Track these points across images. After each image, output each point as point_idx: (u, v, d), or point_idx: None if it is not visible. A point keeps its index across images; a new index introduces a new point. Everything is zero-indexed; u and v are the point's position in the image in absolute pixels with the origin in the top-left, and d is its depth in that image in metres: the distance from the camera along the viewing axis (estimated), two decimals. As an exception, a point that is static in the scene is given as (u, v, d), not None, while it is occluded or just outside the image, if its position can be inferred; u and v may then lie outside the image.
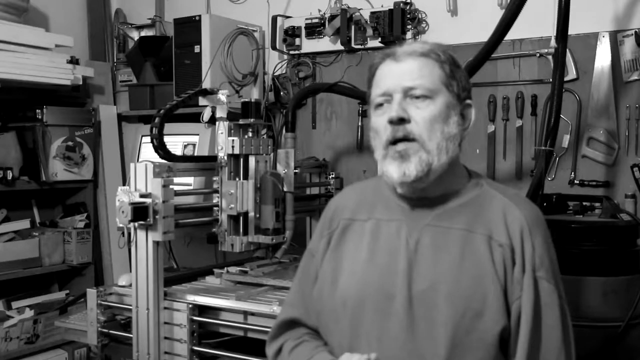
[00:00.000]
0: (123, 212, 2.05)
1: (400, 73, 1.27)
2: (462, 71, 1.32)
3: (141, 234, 2.14)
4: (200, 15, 3.03)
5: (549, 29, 2.50)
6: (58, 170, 3.31)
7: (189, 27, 3.05)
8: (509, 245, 1.24)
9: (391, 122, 1.24)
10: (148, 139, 2.38)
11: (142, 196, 2.10)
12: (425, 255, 1.26)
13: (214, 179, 2.41)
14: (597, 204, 2.41)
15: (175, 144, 2.96)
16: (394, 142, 1.25)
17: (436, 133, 1.25)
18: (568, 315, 1.27)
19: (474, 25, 2.78)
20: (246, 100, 2.47)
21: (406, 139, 1.24)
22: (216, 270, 2.45)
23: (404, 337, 1.23)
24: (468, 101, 1.32)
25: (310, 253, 1.45)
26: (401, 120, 1.24)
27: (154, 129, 2.31)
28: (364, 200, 1.40)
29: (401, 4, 2.89)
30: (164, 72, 3.33)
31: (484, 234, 1.25)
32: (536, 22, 2.59)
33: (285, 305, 1.49)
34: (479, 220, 1.27)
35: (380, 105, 1.29)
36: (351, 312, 1.29)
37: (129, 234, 2.15)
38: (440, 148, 1.25)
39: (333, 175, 2.97)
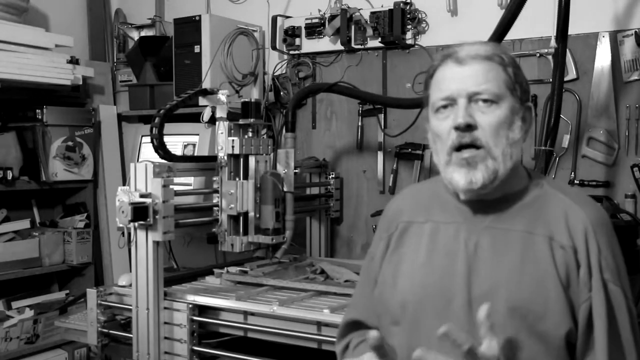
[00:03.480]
0: (123, 212, 2.05)
1: (465, 77, 1.24)
2: (523, 73, 1.30)
3: (141, 234, 2.14)
4: (200, 15, 3.03)
5: (549, 29, 2.50)
6: (58, 170, 3.30)
7: (189, 27, 3.05)
8: (571, 247, 1.21)
9: (458, 128, 1.22)
10: (148, 139, 2.38)
11: (142, 196, 2.10)
12: (485, 258, 1.24)
13: (214, 179, 2.41)
14: (597, 204, 2.41)
15: (175, 144, 2.96)
16: (459, 148, 1.23)
17: (502, 139, 1.23)
18: (635, 317, 1.24)
19: (474, 25, 2.78)
20: (246, 100, 2.47)
21: (473, 145, 1.22)
22: (216, 270, 2.45)
23: None
24: (528, 104, 1.31)
25: (370, 256, 1.45)
26: (468, 127, 1.22)
27: (154, 129, 2.31)
28: (421, 202, 1.39)
29: (401, 4, 2.89)
30: (164, 72, 3.33)
31: (545, 235, 1.23)
32: (536, 22, 2.58)
33: (349, 307, 1.52)
34: (539, 222, 1.24)
35: (442, 107, 1.26)
36: (411, 315, 1.28)
37: (129, 234, 2.15)
38: (505, 154, 1.23)
39: (333, 175, 2.97)
